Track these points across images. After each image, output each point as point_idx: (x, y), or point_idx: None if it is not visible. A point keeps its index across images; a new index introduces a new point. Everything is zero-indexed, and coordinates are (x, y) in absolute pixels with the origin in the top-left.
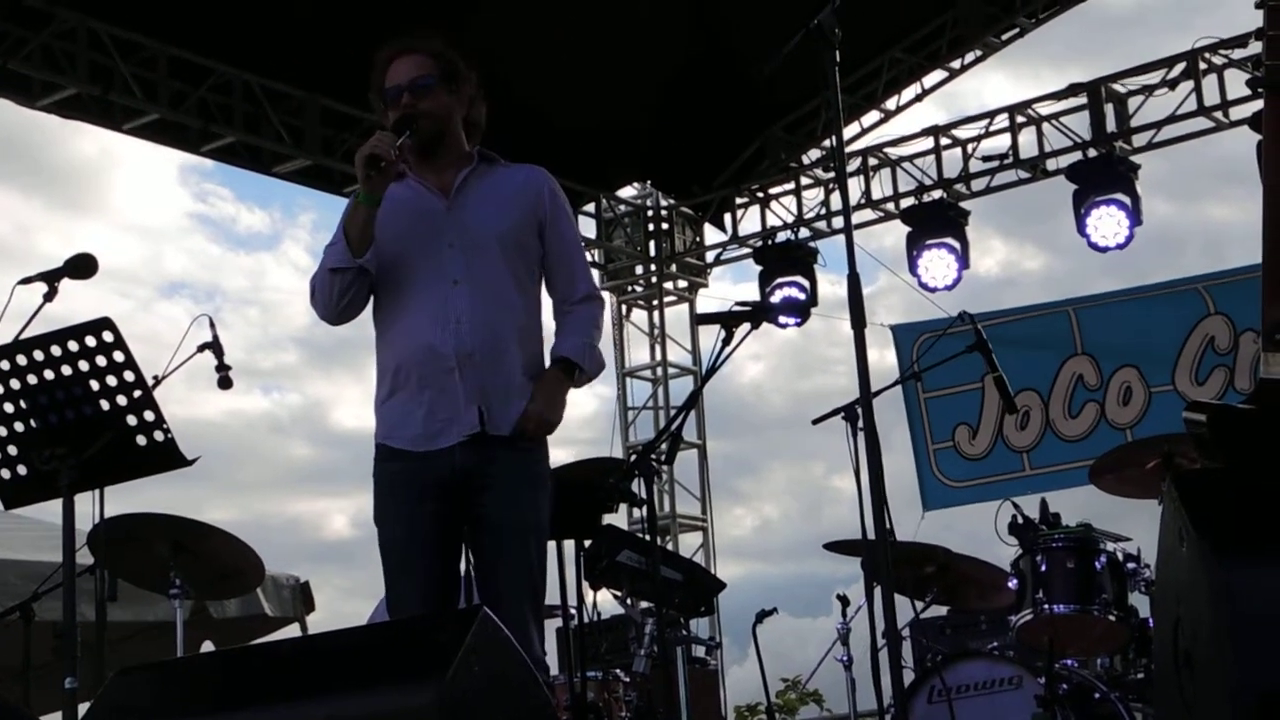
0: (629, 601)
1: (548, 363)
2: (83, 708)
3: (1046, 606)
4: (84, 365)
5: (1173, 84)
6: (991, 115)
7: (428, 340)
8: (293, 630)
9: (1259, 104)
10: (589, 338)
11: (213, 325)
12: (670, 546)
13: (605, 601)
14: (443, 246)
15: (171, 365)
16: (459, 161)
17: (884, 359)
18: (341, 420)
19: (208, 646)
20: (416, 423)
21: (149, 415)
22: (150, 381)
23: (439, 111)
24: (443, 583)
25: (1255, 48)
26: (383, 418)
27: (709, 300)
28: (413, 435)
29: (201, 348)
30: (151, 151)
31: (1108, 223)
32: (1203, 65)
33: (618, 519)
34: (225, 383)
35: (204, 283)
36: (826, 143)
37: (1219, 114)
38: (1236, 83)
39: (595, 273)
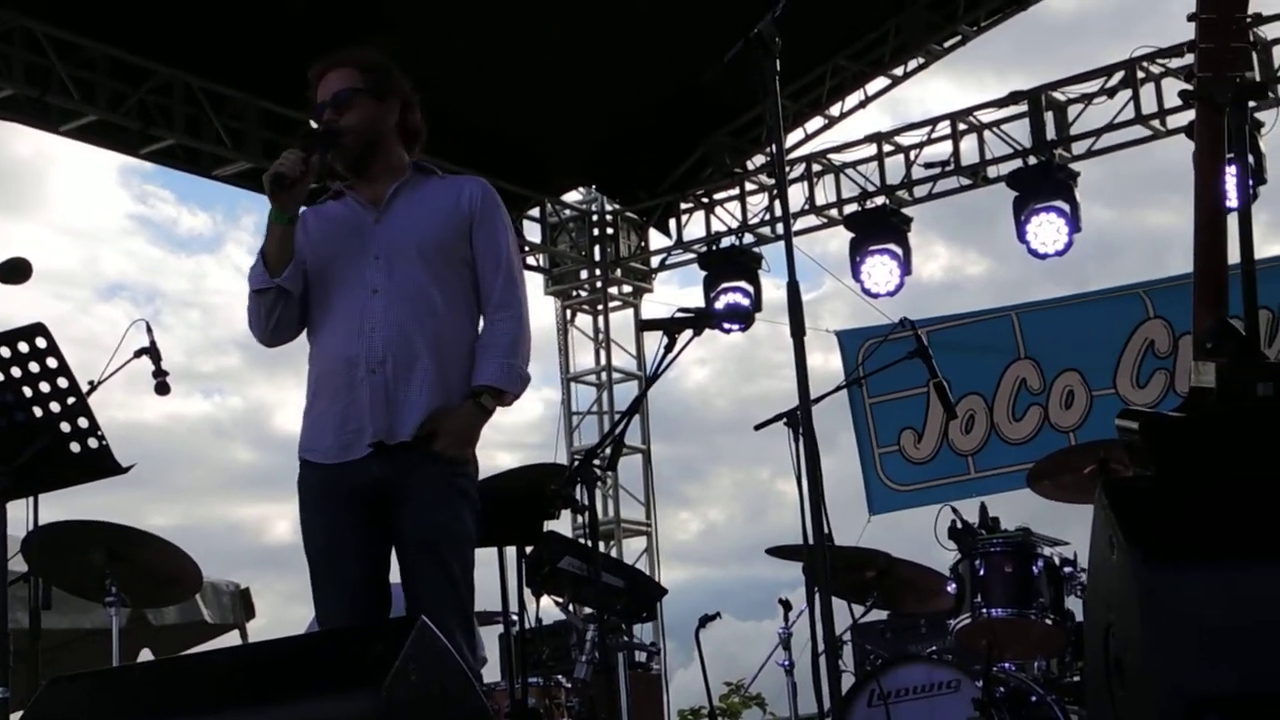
0: (571, 608)
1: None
2: (15, 717)
3: (984, 610)
4: (16, 371)
5: (1111, 92)
6: (934, 122)
7: (343, 350)
8: (233, 637)
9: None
10: (505, 357)
11: (150, 330)
12: (614, 551)
13: (547, 608)
14: (368, 259)
15: (108, 370)
16: (393, 173)
17: (829, 363)
18: (284, 424)
19: (146, 654)
20: (330, 434)
21: (83, 422)
22: (85, 387)
23: (363, 124)
24: (368, 592)
25: (1191, 58)
26: (303, 430)
27: (654, 305)
28: (326, 447)
29: (138, 353)
30: (91, 153)
31: (1047, 229)
32: (1140, 74)
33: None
34: (162, 389)
35: (144, 285)
36: (770, 149)
37: (1156, 122)
38: (1174, 92)
39: (539, 278)
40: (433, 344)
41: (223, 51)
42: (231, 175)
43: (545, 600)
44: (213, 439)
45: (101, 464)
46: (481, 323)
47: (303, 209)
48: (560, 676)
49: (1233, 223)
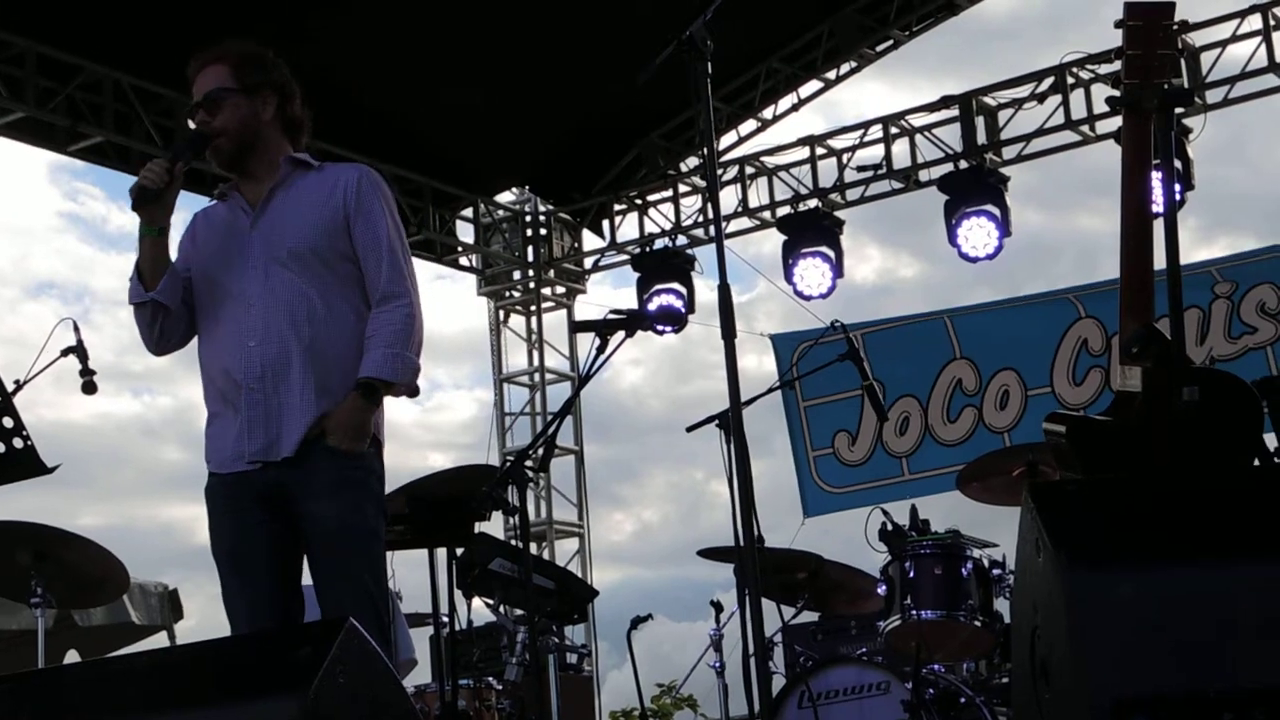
0: (502, 609)
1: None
2: None
3: (914, 612)
4: None
5: (1041, 98)
6: (866, 126)
7: (224, 364)
8: (161, 638)
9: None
10: (390, 346)
11: (77, 329)
12: (547, 553)
13: (478, 609)
14: (246, 266)
15: (34, 369)
16: (275, 170)
17: (764, 365)
18: None
19: (73, 656)
20: (219, 446)
21: (7, 422)
22: (11, 386)
23: (236, 124)
24: (276, 596)
25: (1119, 64)
26: (205, 440)
27: (587, 306)
28: (217, 459)
29: (65, 352)
30: (20, 150)
31: (978, 233)
32: (1070, 80)
33: (492, 527)
34: (89, 388)
35: (73, 283)
36: (703, 151)
37: (1086, 128)
38: (1103, 97)
39: (472, 279)
40: (312, 352)
41: (153, 48)
42: None
43: (476, 602)
44: (142, 439)
45: (27, 464)
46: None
47: (196, 211)
48: (491, 678)
49: (1159, 228)
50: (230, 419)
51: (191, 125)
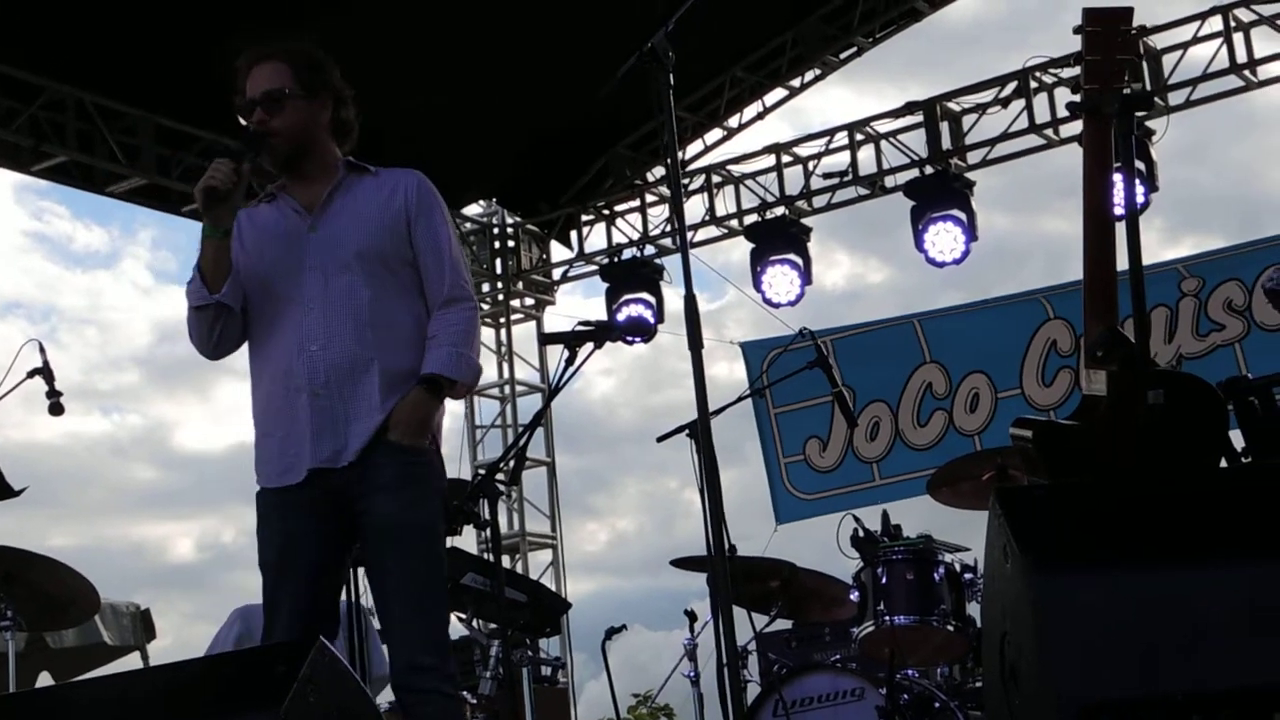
0: (474, 623)
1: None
2: None
3: (887, 618)
4: None
5: (1005, 102)
6: (831, 133)
7: (282, 371)
8: (134, 659)
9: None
10: (455, 345)
11: (43, 350)
12: (520, 565)
13: (450, 624)
14: (304, 270)
15: (0, 391)
16: (327, 173)
17: (734, 372)
18: (185, 442)
19: (45, 678)
20: (272, 460)
21: None
22: None
23: (294, 127)
24: (315, 606)
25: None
26: (255, 449)
27: (556, 317)
28: (269, 472)
29: (31, 373)
30: None
31: (944, 238)
32: (1033, 84)
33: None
34: (56, 409)
35: (39, 302)
36: (669, 161)
37: (1050, 131)
38: (1065, 101)
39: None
40: (376, 356)
41: (115, 67)
42: (126, 191)
43: (450, 616)
44: (112, 458)
45: None
46: (429, 318)
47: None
48: (465, 692)
49: (1121, 230)
50: (283, 433)
51: (243, 122)
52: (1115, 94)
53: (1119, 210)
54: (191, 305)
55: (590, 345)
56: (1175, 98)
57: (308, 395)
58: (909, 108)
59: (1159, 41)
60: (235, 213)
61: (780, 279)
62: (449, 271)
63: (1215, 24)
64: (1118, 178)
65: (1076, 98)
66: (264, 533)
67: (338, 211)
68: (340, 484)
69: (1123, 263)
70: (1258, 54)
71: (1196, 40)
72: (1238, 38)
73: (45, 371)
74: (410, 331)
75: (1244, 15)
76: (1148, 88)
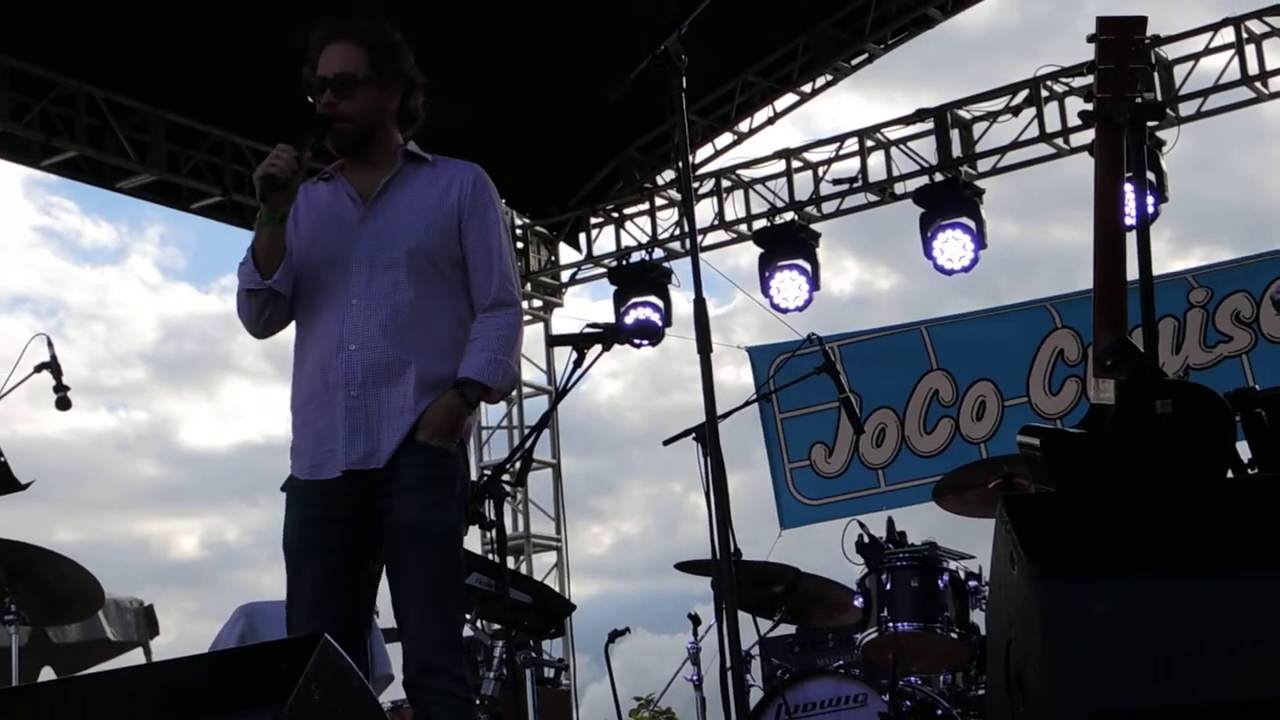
0: (478, 624)
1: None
2: None
3: (891, 625)
4: None
5: (1016, 110)
6: (841, 139)
7: (322, 364)
8: (136, 655)
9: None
10: (494, 351)
11: (50, 345)
12: (524, 566)
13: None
14: (351, 261)
15: (8, 385)
16: (388, 160)
17: (741, 377)
18: (190, 438)
19: (47, 673)
20: (306, 452)
21: None
22: None
23: (363, 113)
24: (336, 596)
25: (1092, 78)
26: (292, 444)
27: (564, 319)
28: (301, 464)
29: (39, 368)
30: None
31: (953, 246)
32: (1044, 93)
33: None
34: (63, 404)
35: (47, 297)
36: (679, 165)
37: (1060, 140)
38: (1076, 110)
39: None
40: (413, 359)
41: (126, 63)
42: (136, 187)
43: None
44: (117, 453)
45: (1, 481)
46: (473, 319)
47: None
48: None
49: (1132, 240)
50: (320, 427)
51: (310, 100)
52: (1128, 103)
53: (1130, 220)
54: (243, 287)
55: (598, 347)
56: (1186, 108)
57: (344, 394)
58: (919, 115)
59: (1170, 52)
60: (292, 200)
61: (789, 284)
62: (497, 274)
63: (1227, 35)
64: (1129, 187)
65: (1088, 106)
66: (290, 517)
67: (391, 204)
68: (370, 484)
69: (1132, 272)
70: (1269, 66)
71: (1208, 51)
72: (1249, 49)
73: (53, 366)
74: (452, 334)
75: (1256, 27)
76: (1159, 98)
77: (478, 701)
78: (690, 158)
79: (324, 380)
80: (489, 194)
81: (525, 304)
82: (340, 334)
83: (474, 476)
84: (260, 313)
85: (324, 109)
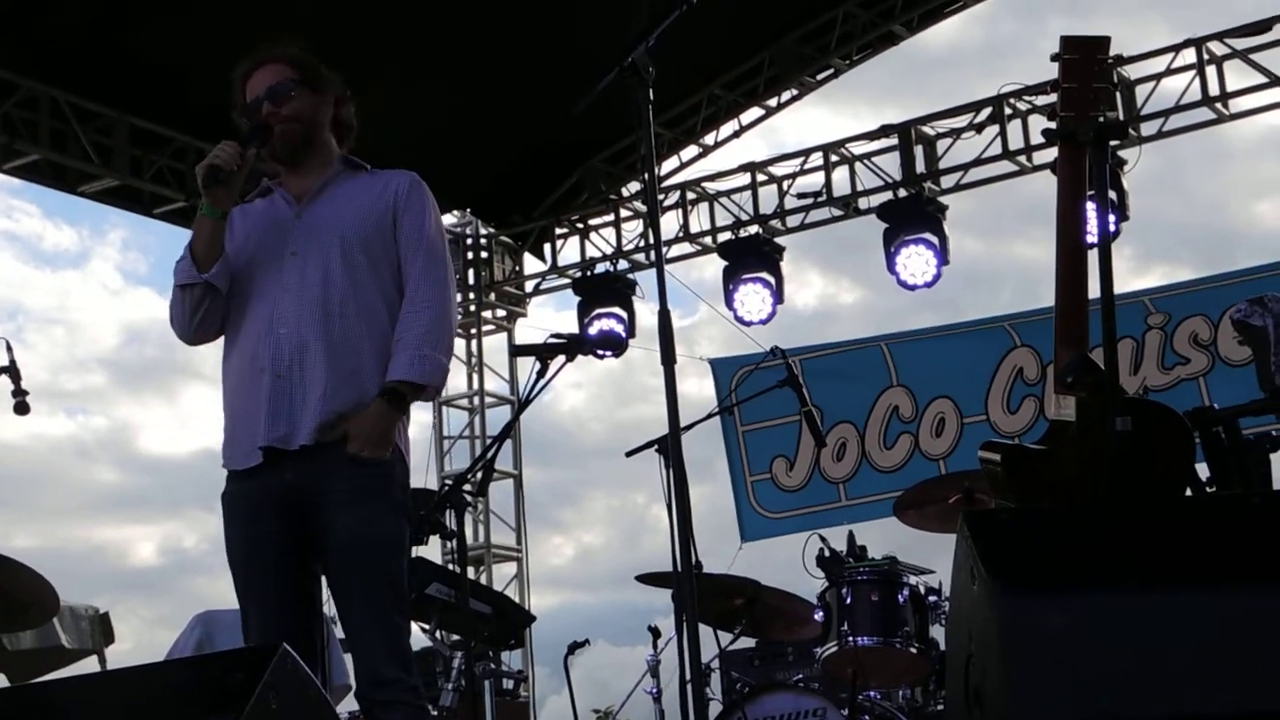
0: (438, 634)
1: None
2: None
3: (851, 639)
4: None
5: (979, 128)
6: (806, 153)
7: (250, 352)
8: (91, 663)
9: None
10: (419, 347)
11: (10, 349)
12: (485, 577)
13: (414, 634)
14: (285, 256)
15: None
16: (325, 168)
17: (703, 390)
18: (149, 445)
19: (0, 680)
20: (236, 440)
21: None
22: None
23: (302, 116)
24: (287, 605)
25: (1055, 96)
26: (223, 438)
27: (528, 329)
28: (232, 453)
29: None
30: None
31: (916, 261)
32: (1008, 110)
33: (429, 551)
34: (22, 409)
35: (6, 301)
36: (645, 176)
37: (1023, 158)
38: (1039, 128)
39: None
40: (343, 345)
41: (90, 67)
42: (98, 191)
43: (412, 626)
44: (75, 459)
45: None
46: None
47: (232, 210)
48: (426, 704)
49: (1094, 258)
50: (245, 412)
51: (247, 123)
52: (1091, 121)
53: (1092, 238)
54: (178, 283)
55: (562, 358)
56: (1148, 128)
57: (270, 375)
58: (884, 130)
59: (1133, 72)
60: (234, 196)
61: (752, 297)
62: (421, 266)
63: (1189, 56)
64: (1091, 205)
65: (1052, 124)
66: (230, 532)
67: (326, 201)
68: (296, 482)
69: (1094, 290)
70: (1230, 87)
71: (1170, 72)
72: (1210, 71)
73: (12, 370)
74: (383, 326)
75: (1217, 48)
76: (1121, 117)
77: (435, 713)
78: (656, 170)
79: (251, 366)
80: (424, 194)
81: (488, 313)
82: (270, 319)
83: (435, 485)
84: (195, 310)
85: (265, 119)
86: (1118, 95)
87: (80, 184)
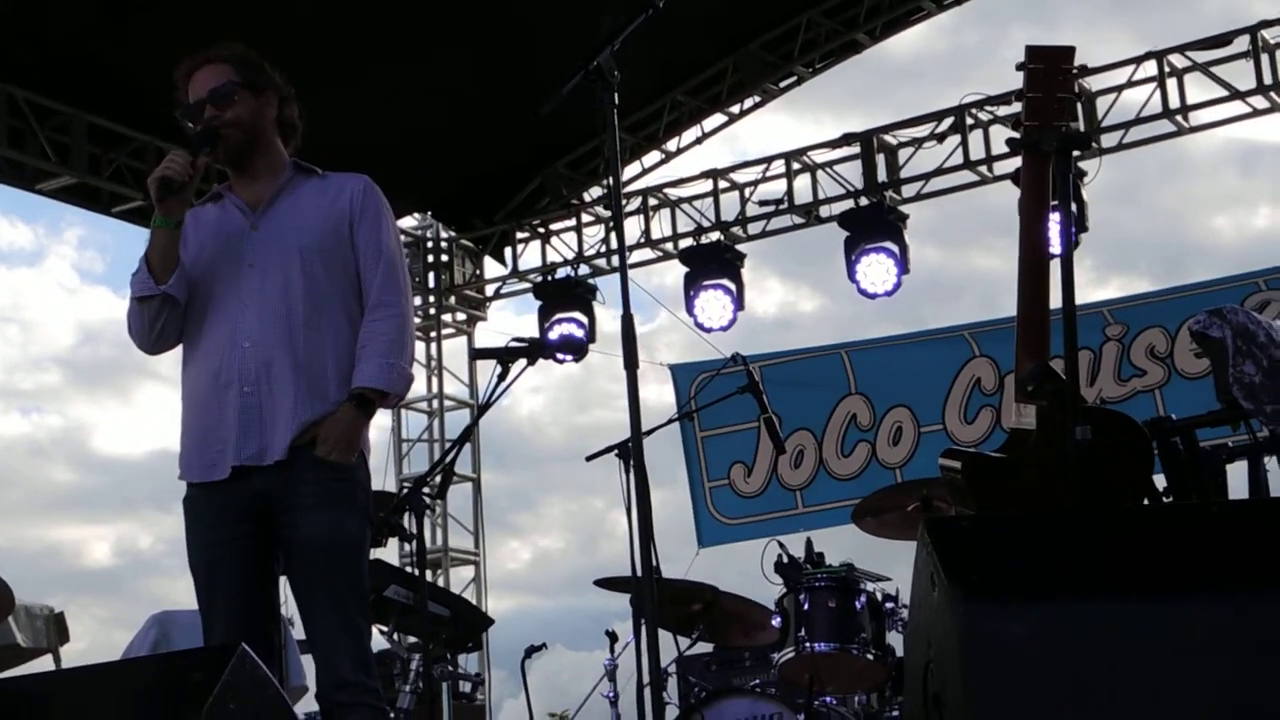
0: (395, 636)
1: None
2: None
3: (808, 644)
4: None
5: (941, 137)
6: (769, 161)
7: (213, 366)
8: (46, 662)
9: (1019, 161)
10: (384, 356)
11: None
12: (442, 580)
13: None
14: (242, 268)
15: None
16: (274, 172)
17: (663, 395)
18: (104, 445)
19: None
20: (195, 454)
21: None
22: None
23: (245, 118)
24: (250, 610)
25: (1019, 105)
26: (180, 447)
27: (488, 333)
28: (193, 465)
29: None
30: None
31: (877, 270)
32: (970, 120)
33: (387, 553)
34: None
35: None
36: (607, 181)
37: (984, 168)
38: (1001, 138)
39: None
40: (308, 357)
41: (48, 64)
42: (55, 189)
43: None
44: (30, 459)
45: None
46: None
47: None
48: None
49: (1055, 268)
50: (208, 427)
51: (191, 126)
52: (1054, 131)
53: (1054, 247)
54: (135, 296)
55: (523, 361)
56: (1108, 140)
57: (236, 392)
58: (846, 139)
59: (1094, 84)
60: (187, 205)
61: (713, 304)
62: (382, 275)
63: (1150, 69)
64: (1054, 215)
65: (1016, 134)
66: (192, 538)
67: (281, 211)
68: (264, 489)
69: (1055, 300)
70: (1190, 100)
71: (1130, 84)
72: (1171, 83)
73: None
74: (344, 334)
75: (1178, 61)
76: (1082, 128)
77: (392, 716)
78: (620, 174)
79: (215, 381)
80: (379, 200)
81: (449, 317)
82: (233, 333)
83: (393, 488)
84: (154, 322)
85: (207, 123)
86: (1079, 107)
87: (38, 181)
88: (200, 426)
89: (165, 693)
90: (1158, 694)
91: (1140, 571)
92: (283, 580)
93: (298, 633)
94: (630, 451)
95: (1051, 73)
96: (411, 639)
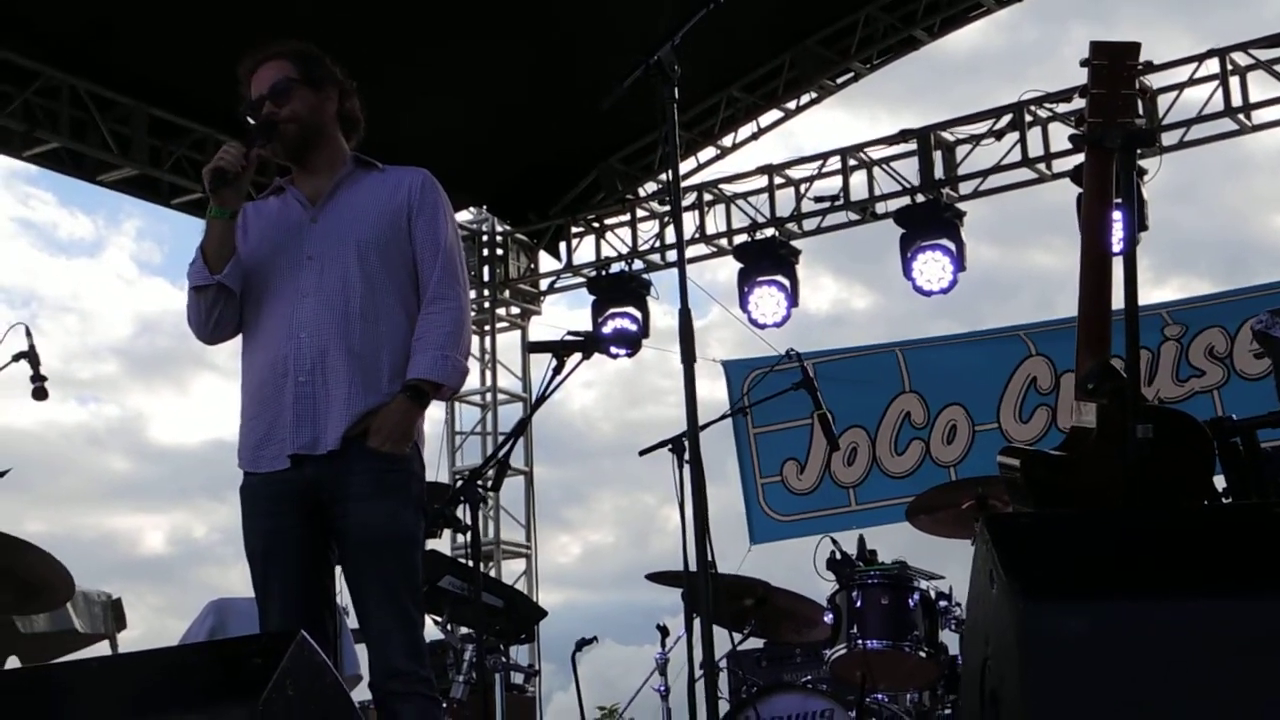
0: (449, 627)
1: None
2: None
3: (860, 641)
4: None
5: (999, 134)
6: (824, 157)
7: (271, 357)
8: (103, 647)
9: (1080, 158)
10: (441, 348)
11: (29, 334)
12: (493, 573)
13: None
14: (302, 260)
15: None
16: (334, 166)
17: (714, 392)
18: (160, 434)
19: (13, 662)
20: (255, 445)
21: None
22: None
23: (304, 112)
24: (305, 598)
25: (1079, 102)
26: (239, 437)
27: (541, 327)
28: (250, 456)
29: (17, 357)
30: None
31: (932, 267)
32: (1028, 117)
33: (441, 544)
34: (40, 394)
35: (20, 288)
36: (663, 176)
37: (1042, 166)
38: (1060, 136)
39: None
40: (364, 349)
41: (111, 56)
42: (116, 181)
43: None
44: (87, 447)
45: None
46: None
47: (245, 205)
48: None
49: (1117, 266)
50: (270, 417)
51: (252, 121)
52: (1119, 128)
53: (1116, 245)
54: (192, 285)
55: (578, 355)
56: (1169, 138)
57: (293, 382)
58: (903, 135)
59: (1155, 81)
60: (242, 196)
61: (767, 300)
62: (440, 268)
63: (1212, 66)
64: (1117, 213)
65: (1078, 131)
66: (249, 525)
67: (340, 204)
68: (318, 478)
69: (1117, 299)
70: (1253, 98)
71: (1192, 82)
72: (1234, 81)
73: (31, 355)
74: (401, 327)
75: (1241, 59)
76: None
77: (445, 705)
78: (679, 167)
79: (272, 371)
80: (438, 193)
81: (503, 310)
82: (290, 325)
83: (447, 481)
84: (210, 311)
85: (266, 117)
86: (1140, 104)
87: (99, 173)
88: (257, 416)
89: (225, 677)
90: (1216, 694)
91: (1200, 571)
92: (338, 570)
93: (352, 622)
94: (684, 446)
95: (1116, 69)
96: (464, 629)
